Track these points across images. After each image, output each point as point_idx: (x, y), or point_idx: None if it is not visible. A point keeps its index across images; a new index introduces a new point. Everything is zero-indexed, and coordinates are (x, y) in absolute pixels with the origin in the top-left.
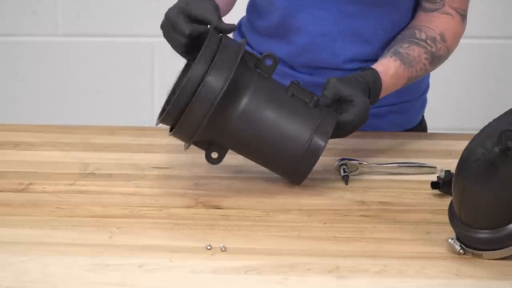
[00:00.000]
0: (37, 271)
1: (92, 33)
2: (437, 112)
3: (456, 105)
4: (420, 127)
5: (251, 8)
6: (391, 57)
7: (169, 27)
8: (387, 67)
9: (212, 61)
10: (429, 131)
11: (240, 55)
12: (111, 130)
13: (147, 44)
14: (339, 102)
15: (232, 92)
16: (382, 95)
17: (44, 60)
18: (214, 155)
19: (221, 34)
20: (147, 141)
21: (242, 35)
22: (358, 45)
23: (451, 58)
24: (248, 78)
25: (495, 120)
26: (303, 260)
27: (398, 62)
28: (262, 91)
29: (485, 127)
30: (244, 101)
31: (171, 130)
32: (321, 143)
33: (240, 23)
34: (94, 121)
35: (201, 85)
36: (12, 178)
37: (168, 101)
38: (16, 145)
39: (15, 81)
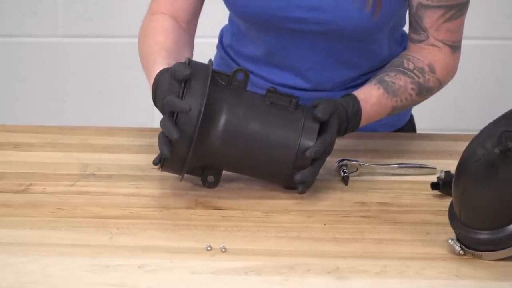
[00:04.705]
0: (37, 271)
1: (92, 34)
2: (436, 113)
3: (455, 106)
4: (410, 124)
5: (230, 28)
6: (375, 84)
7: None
8: (369, 95)
9: (183, 91)
10: (427, 132)
11: (209, 78)
12: (111, 131)
13: None
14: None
15: (209, 115)
16: (363, 123)
17: (44, 61)
18: (210, 178)
19: (188, 60)
20: (147, 142)
21: (223, 48)
22: (346, 71)
23: None
24: (222, 98)
25: (495, 120)
26: (303, 261)
27: (381, 91)
28: (239, 107)
29: (485, 128)
30: (223, 121)
31: (161, 166)
32: (310, 143)
33: (221, 34)
34: (94, 122)
35: (178, 116)
36: (12, 179)
37: None
38: (16, 146)
39: (15, 82)
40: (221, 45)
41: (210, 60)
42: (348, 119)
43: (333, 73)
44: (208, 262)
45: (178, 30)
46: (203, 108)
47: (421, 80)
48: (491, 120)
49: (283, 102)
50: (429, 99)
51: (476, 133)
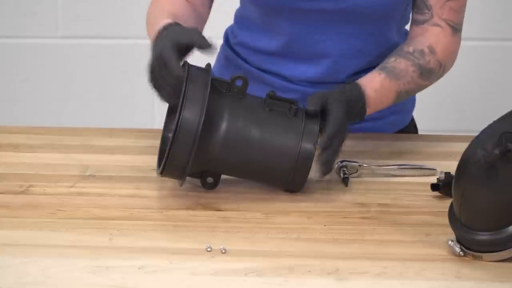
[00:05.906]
0: (37, 273)
1: (92, 35)
2: (436, 114)
3: (455, 107)
4: (412, 125)
5: (240, 26)
6: (376, 71)
7: (160, 65)
8: (371, 81)
9: (183, 97)
10: (426, 133)
11: (209, 84)
12: (111, 132)
13: (147, 46)
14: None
15: (209, 122)
16: (371, 108)
17: (44, 62)
18: (210, 180)
19: (187, 66)
20: (147, 143)
21: (230, 47)
22: (359, 60)
23: None
24: (222, 105)
25: (495, 122)
26: (303, 262)
27: (383, 75)
28: (238, 115)
29: (485, 129)
30: (223, 129)
31: (161, 172)
32: (311, 147)
33: (226, 34)
34: (94, 123)
35: (179, 122)
36: (12, 180)
37: (161, 150)
38: (16, 147)
39: (15, 83)
40: (227, 45)
41: (208, 64)
42: (349, 102)
43: (347, 62)
44: (208, 263)
45: (188, 7)
46: (203, 116)
47: (421, 61)
48: (491, 121)
49: (282, 108)
50: (429, 100)
51: (476, 134)
